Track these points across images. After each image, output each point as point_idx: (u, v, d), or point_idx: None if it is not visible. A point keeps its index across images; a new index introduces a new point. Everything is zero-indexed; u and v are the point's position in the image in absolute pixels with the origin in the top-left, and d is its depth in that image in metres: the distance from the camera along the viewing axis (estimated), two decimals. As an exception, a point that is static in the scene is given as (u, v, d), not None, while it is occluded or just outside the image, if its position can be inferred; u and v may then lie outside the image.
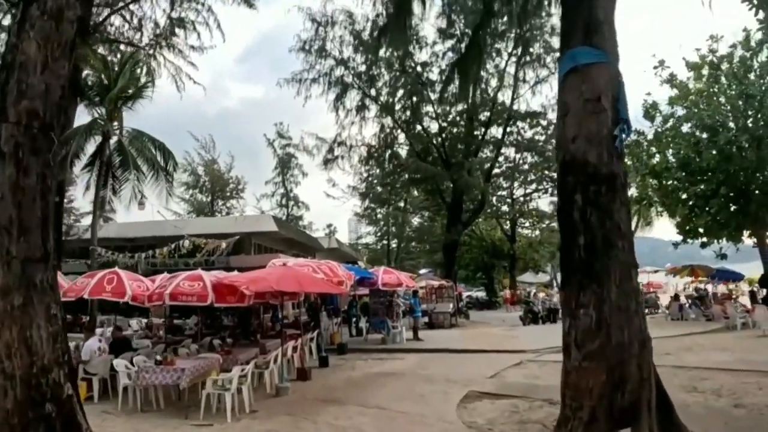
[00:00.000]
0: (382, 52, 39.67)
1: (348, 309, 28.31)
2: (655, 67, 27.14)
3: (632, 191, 30.92)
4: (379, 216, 62.36)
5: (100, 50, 24.74)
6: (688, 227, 28.49)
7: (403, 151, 43.66)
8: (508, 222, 59.49)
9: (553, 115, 41.01)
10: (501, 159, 45.37)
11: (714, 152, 25.47)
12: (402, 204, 56.52)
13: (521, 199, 56.96)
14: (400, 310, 24.69)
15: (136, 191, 25.97)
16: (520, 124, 42.73)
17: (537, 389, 12.38)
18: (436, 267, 57.95)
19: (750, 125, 24.81)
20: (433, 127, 42.25)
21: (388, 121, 41.30)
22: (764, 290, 28.62)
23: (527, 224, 61.74)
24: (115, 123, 26.12)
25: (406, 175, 43.06)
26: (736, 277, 34.52)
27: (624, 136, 8.67)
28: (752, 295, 30.54)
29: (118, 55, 26.10)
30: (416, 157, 40.59)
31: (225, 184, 58.94)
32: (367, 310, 25.45)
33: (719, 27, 37.64)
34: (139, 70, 26.48)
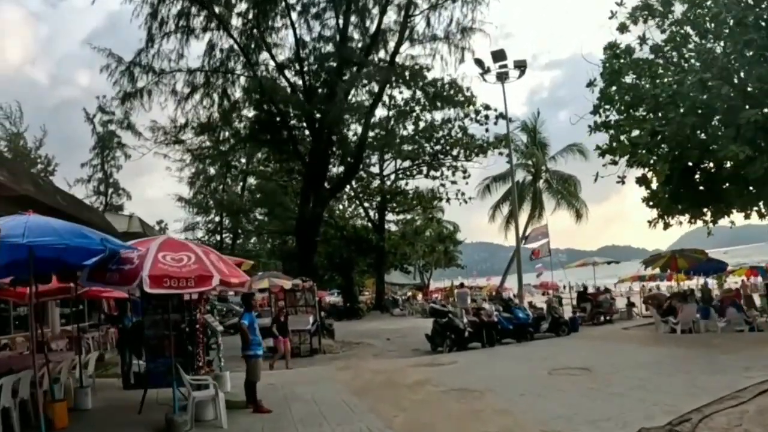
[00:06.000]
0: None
1: (127, 327, 14.25)
2: None
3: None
4: (210, 203, 50.50)
5: None
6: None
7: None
8: (375, 206, 46.96)
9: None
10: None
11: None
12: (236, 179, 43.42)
13: (392, 176, 45.40)
14: (219, 340, 11.10)
15: None
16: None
17: None
18: (282, 263, 44.93)
19: None
20: (286, 53, 28.64)
21: (223, 39, 27.28)
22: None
23: (393, 213, 49.86)
24: None
25: (246, 125, 29.15)
26: (721, 268, 24.48)
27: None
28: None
29: None
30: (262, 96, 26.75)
31: (31, 163, 43.86)
32: (136, 338, 11.44)
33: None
34: None
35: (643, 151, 17.76)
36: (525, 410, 8.87)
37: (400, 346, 21.25)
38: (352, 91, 27.06)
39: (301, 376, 14.48)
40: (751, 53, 15.93)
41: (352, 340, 23.83)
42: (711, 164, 17.31)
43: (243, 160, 43.85)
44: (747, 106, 15.41)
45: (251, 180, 49.52)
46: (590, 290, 28.35)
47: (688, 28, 17.56)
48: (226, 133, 31.10)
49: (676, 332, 17.97)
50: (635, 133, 18.26)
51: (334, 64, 26.45)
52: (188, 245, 8.85)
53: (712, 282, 29.92)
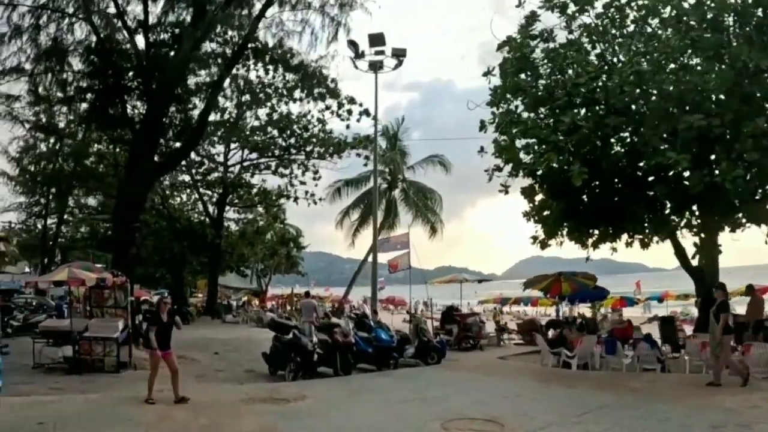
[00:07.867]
0: None
1: None
2: None
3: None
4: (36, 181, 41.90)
5: None
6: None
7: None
8: (214, 199, 41.97)
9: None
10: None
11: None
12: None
13: (237, 168, 41.19)
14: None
15: None
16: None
17: None
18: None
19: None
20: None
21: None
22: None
23: (234, 210, 45.00)
24: None
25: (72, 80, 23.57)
26: (602, 296, 23.01)
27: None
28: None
29: None
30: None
31: None
32: None
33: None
34: None
35: (538, 156, 15.22)
36: None
37: (230, 364, 17.52)
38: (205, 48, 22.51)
39: (89, 409, 10.24)
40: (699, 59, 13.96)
41: (174, 352, 19.43)
42: (616, 179, 15.07)
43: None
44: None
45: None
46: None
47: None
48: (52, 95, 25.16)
49: (570, 367, 15.35)
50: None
51: (188, 17, 21.68)
52: None
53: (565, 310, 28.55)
